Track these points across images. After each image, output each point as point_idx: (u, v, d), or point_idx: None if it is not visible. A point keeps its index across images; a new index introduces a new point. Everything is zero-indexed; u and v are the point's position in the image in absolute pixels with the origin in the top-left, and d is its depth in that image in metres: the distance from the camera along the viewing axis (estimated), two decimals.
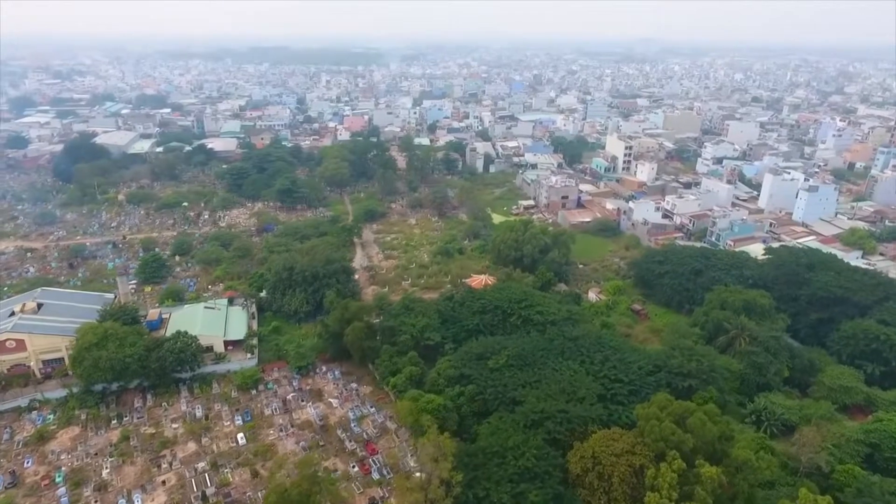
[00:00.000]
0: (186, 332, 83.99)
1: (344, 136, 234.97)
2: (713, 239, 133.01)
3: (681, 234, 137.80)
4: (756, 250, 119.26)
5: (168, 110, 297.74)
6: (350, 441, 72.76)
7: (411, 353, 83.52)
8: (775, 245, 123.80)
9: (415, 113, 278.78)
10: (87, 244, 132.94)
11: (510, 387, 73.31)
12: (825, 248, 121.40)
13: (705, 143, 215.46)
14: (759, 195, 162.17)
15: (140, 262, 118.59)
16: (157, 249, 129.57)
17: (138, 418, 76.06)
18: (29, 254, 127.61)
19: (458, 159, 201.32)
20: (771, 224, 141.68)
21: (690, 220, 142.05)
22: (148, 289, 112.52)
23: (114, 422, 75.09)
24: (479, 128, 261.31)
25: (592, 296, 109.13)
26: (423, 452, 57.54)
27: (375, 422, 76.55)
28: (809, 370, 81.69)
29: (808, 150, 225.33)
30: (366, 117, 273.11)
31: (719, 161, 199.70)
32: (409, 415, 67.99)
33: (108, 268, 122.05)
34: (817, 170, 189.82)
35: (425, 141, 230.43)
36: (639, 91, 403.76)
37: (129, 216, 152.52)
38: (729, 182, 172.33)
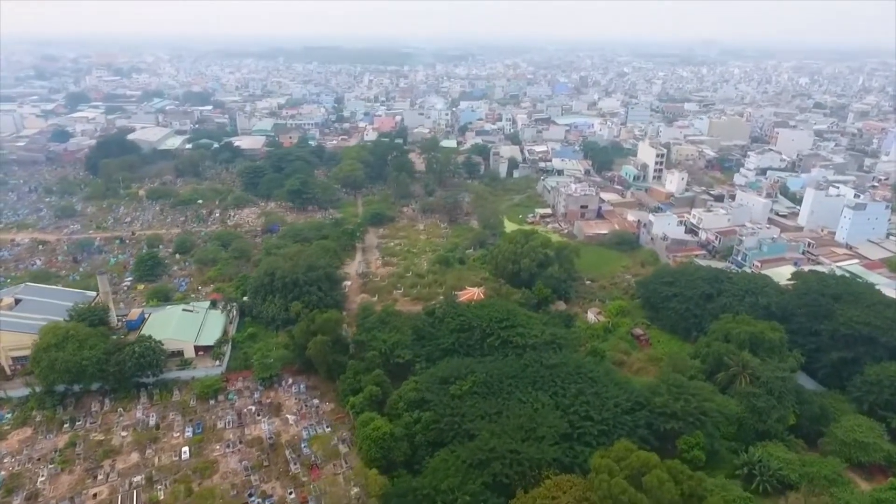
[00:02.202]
0: (150, 336, 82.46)
1: (371, 136, 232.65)
2: (739, 258, 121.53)
3: (703, 252, 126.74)
4: (785, 273, 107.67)
5: (210, 107, 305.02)
6: (296, 463, 68.60)
7: (377, 371, 78.60)
8: (810, 268, 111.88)
9: (446, 114, 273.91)
10: (97, 239, 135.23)
11: (468, 417, 67.22)
12: (867, 274, 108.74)
13: (749, 152, 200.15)
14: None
15: (136, 259, 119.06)
16: (160, 246, 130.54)
17: (90, 423, 74.61)
18: (40, 246, 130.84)
19: (480, 163, 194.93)
20: (809, 244, 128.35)
21: (716, 237, 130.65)
22: (141, 287, 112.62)
23: (66, 426, 73.90)
24: (512, 130, 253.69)
25: (591, 316, 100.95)
26: (336, 492, 52.47)
27: (327, 444, 72.04)
28: (820, 419, 71.42)
29: (869, 161, 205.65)
30: (398, 118, 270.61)
31: (763, 172, 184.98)
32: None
33: (111, 263, 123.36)
34: (876, 184, 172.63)
35: (452, 143, 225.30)
36: (689, 95, 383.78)
37: (145, 212, 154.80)
38: (769, 195, 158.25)
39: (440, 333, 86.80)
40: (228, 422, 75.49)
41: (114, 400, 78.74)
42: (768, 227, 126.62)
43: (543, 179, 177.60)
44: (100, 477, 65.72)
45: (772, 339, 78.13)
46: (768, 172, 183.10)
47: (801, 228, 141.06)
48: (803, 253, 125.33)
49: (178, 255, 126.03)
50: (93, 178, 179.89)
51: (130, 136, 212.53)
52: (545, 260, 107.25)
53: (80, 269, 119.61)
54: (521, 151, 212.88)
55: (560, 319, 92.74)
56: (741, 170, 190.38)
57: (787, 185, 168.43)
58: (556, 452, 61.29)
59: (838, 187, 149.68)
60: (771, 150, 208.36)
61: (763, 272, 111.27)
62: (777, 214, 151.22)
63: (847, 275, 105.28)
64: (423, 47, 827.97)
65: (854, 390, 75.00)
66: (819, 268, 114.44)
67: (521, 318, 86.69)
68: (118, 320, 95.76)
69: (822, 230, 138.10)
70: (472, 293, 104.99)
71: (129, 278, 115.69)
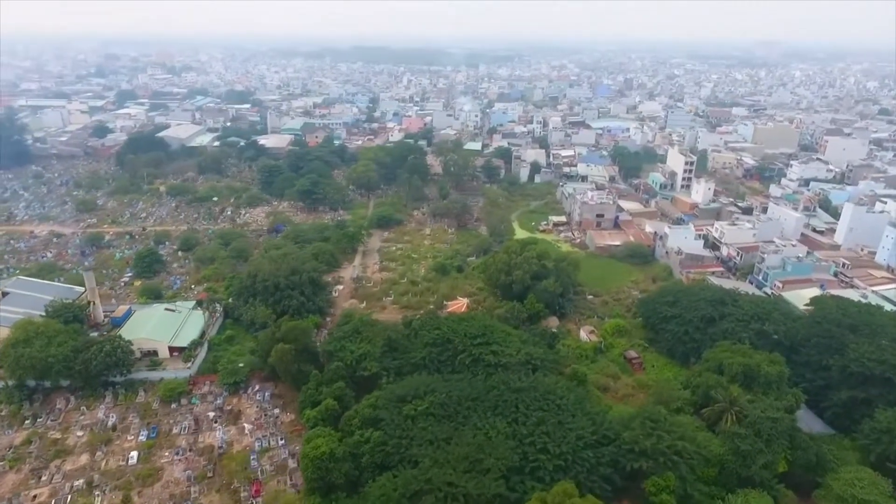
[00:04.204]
0: (119, 335, 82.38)
1: (397, 136, 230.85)
2: (760, 278, 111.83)
3: (721, 269, 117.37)
4: (806, 297, 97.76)
5: (248, 106, 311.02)
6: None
7: (338, 383, 75.43)
8: (839, 291, 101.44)
9: (476, 116, 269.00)
10: (110, 233, 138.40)
11: (416, 441, 63.00)
12: None
13: (791, 162, 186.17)
14: None
15: (135, 256, 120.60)
16: (166, 243, 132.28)
17: (51, 421, 74.59)
18: (55, 239, 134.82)
19: (501, 167, 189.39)
20: (843, 265, 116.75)
21: (738, 253, 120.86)
22: (137, 283, 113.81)
23: (27, 422, 74.23)
24: (542, 133, 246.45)
25: (583, 335, 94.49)
26: None
27: (276, 457, 69.45)
28: (816, 468, 63.14)
29: None
30: (428, 118, 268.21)
31: (806, 183, 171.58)
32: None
33: (116, 258, 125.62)
34: None
35: (477, 145, 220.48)
36: (740, 99, 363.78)
37: (161, 208, 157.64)
38: (806, 209, 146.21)
39: (414, 346, 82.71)
40: (184, 427, 74.00)
41: (79, 398, 78.76)
42: (794, 245, 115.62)
43: (562, 185, 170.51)
44: (44, 478, 65.27)
45: (768, 373, 69.97)
46: (811, 184, 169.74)
47: (837, 247, 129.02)
48: (835, 274, 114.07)
49: (180, 253, 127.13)
50: (121, 174, 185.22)
51: (162, 133, 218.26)
52: (540, 272, 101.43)
53: (85, 264, 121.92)
54: (547, 155, 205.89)
55: (543, 338, 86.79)
56: (782, 180, 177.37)
57: (830, 198, 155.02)
58: (500, 487, 56.28)
59: (885, 202, 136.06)
60: (818, 159, 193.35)
61: (784, 294, 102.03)
62: (813, 230, 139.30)
63: (879, 301, 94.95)
64: (473, 48, 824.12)
65: (861, 437, 66.16)
66: (851, 292, 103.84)
67: (497, 335, 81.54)
68: (105, 316, 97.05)
69: (862, 250, 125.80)
70: (459, 304, 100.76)
71: (129, 274, 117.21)
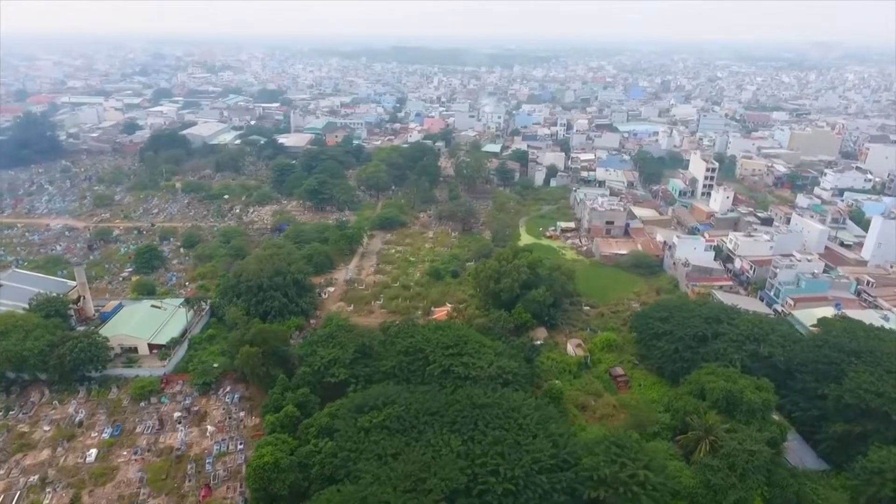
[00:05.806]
0: (95, 331, 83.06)
1: (416, 137, 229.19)
2: (771, 294, 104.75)
3: (730, 283, 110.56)
4: (818, 317, 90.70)
5: (276, 104, 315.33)
6: (191, 480, 65.33)
7: (302, 389, 73.85)
8: (857, 312, 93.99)
9: (498, 117, 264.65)
10: (119, 228, 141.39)
11: (365, 455, 60.53)
12: None
13: (825, 170, 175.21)
14: None
15: (135, 252, 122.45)
16: (171, 239, 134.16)
17: (23, 414, 75.58)
18: (67, 233, 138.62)
19: (515, 170, 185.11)
20: (867, 283, 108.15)
21: (752, 266, 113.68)
22: (135, 279, 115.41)
23: None
24: (565, 136, 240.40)
25: (570, 349, 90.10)
26: None
27: (230, 462, 68.26)
28: None
29: None
30: (451, 119, 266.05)
31: (840, 193, 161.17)
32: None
33: (121, 253, 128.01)
34: None
35: (496, 147, 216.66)
36: (783, 103, 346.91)
37: (172, 204, 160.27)
38: (835, 221, 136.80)
39: (388, 354, 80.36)
40: (148, 427, 73.71)
41: (54, 392, 79.65)
42: (809, 260, 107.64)
43: (576, 190, 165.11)
44: (1, 472, 65.87)
45: (751, 400, 64.37)
46: (846, 194, 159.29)
47: (864, 263, 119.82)
48: (857, 293, 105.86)
49: (182, 249, 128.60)
50: (142, 170, 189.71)
51: (186, 131, 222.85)
52: (530, 280, 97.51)
53: (90, 258, 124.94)
54: (567, 159, 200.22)
55: (521, 350, 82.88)
56: (815, 189, 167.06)
57: (863, 209, 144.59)
58: None
59: None
60: (857, 167, 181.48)
61: (794, 312, 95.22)
62: (841, 244, 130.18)
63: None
64: (512, 49, 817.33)
65: (852, 476, 60.01)
66: (871, 312, 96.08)
67: (470, 346, 78.12)
68: (96, 311, 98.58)
69: (892, 267, 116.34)
70: (445, 311, 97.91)
71: (129, 269, 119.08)
